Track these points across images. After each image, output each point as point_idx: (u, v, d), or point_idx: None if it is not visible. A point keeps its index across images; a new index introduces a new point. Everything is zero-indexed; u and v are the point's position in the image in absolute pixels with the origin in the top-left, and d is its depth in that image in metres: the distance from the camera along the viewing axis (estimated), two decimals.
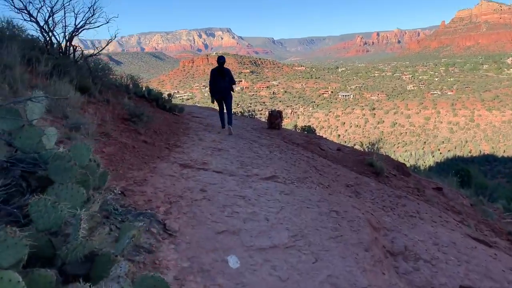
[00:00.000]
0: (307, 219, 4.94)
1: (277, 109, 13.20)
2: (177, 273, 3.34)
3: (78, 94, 7.82)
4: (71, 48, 10.43)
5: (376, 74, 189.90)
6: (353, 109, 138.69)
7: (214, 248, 3.84)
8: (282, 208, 5.18)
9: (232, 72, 11.02)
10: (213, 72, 10.59)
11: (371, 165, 9.59)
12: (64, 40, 10.25)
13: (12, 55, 6.98)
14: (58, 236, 2.54)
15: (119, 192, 4.49)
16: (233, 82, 10.75)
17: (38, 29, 9.71)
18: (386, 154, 15.86)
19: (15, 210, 2.68)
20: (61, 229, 2.47)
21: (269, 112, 12.53)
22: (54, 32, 9.95)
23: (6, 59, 6.74)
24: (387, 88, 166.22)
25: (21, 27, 10.10)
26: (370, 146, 14.33)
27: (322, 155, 9.95)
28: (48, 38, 9.83)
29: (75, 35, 10.42)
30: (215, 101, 10.81)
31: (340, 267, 3.92)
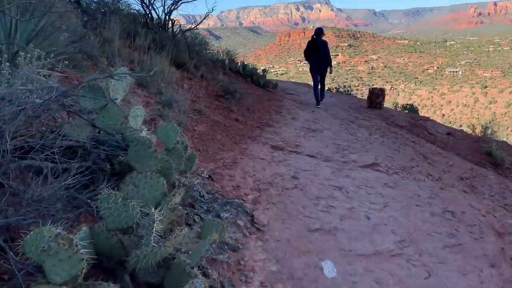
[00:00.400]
0: (416, 220, 4.24)
1: (379, 87, 12.18)
2: (264, 278, 2.93)
3: (173, 69, 7.74)
4: (170, 22, 10.47)
5: (490, 49, 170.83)
6: (461, 86, 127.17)
7: (306, 250, 3.36)
8: (386, 204, 4.52)
9: (329, 46, 10.41)
10: (308, 43, 10.25)
11: (488, 154, 8.32)
12: (164, 14, 10.33)
13: (112, 29, 7.05)
14: (131, 235, 2.25)
15: (207, 176, 4.20)
16: (329, 58, 10.17)
17: (139, 3, 9.86)
18: (502, 140, 13.96)
19: (89, 200, 2.45)
20: (134, 228, 2.16)
21: (369, 89, 11.57)
22: (154, 6, 10.05)
23: (106, 33, 6.80)
24: (503, 64, 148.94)
25: (125, 2, 10.36)
26: (483, 130, 12.70)
27: (430, 140, 8.88)
28: (148, 12, 9.94)
29: (174, 9, 10.44)
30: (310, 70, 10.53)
31: (461, 287, 3.22)
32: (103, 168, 3.01)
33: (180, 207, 2.65)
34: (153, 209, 2.01)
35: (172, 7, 10.13)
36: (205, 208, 3.46)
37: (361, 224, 3.97)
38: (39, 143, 2.62)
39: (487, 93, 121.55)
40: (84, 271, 1.62)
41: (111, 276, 2.26)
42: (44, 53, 2.79)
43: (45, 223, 2.27)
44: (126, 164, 2.80)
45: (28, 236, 1.81)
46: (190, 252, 2.54)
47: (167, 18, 10.33)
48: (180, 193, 2.63)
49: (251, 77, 11.52)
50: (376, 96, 11.12)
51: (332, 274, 3.15)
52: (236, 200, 3.78)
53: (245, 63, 12.33)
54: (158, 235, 2.10)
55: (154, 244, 1.98)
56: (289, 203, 4.10)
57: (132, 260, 1.94)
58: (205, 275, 2.47)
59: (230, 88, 8.15)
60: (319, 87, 10.46)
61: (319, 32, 10.21)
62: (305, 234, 3.59)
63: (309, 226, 3.73)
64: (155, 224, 1.95)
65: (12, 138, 2.50)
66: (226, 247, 3.08)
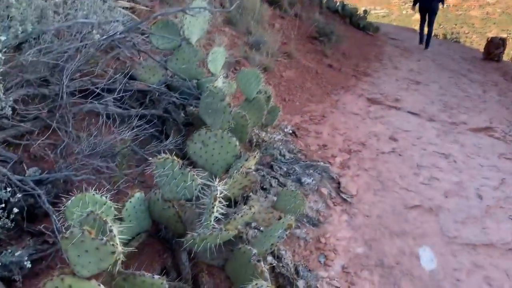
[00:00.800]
0: None
1: (497, 36, 10.47)
2: (347, 261, 2.48)
3: (265, 7, 7.14)
4: None
5: None
6: None
7: (401, 231, 2.82)
8: (502, 181, 3.73)
9: None
10: None
11: None
12: None
13: None
14: (193, 204, 1.90)
15: (290, 131, 3.73)
16: None
17: None
18: None
19: (150, 158, 2.12)
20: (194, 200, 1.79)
21: (488, 38, 9.95)
22: None
23: None
24: None
25: None
26: None
27: None
28: None
29: None
30: (417, 13, 9.39)
31: None
32: (175, 118, 2.68)
33: (254, 172, 2.24)
34: (217, 181, 1.61)
35: None
36: (285, 169, 3.03)
37: (471, 204, 3.28)
38: (102, 85, 2.32)
39: None
40: (120, 261, 1.29)
41: (168, 249, 1.96)
42: None
43: (99, 180, 2.01)
44: (197, 117, 2.42)
45: (70, 201, 1.53)
46: (261, 229, 2.16)
47: None
48: (255, 156, 2.20)
49: (350, 18, 10.49)
50: (495, 47, 9.53)
51: (431, 266, 2.60)
52: (322, 163, 3.29)
53: (344, 2, 11.24)
54: (225, 204, 1.73)
55: (215, 225, 1.60)
56: (384, 170, 3.52)
57: (187, 242, 1.59)
58: (275, 257, 2.08)
59: (326, 29, 7.38)
60: (426, 32, 9.35)
61: None
62: (400, 211, 3.03)
63: (406, 202, 3.15)
64: (216, 202, 1.56)
65: (73, 78, 2.22)
66: (305, 220, 2.66)
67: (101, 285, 1.22)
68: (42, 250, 1.73)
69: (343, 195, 3.04)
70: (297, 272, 2.15)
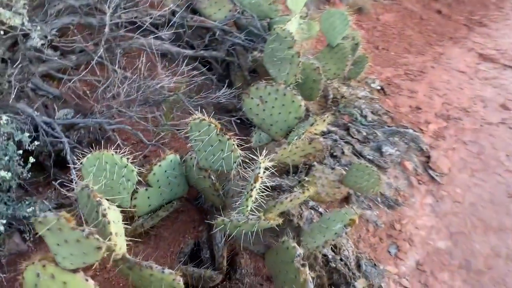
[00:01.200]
0: None
1: None
2: (424, 257, 2.05)
3: None
4: None
5: None
6: None
7: (499, 227, 2.28)
8: None
9: None
10: None
11: None
12: None
13: None
14: (238, 174, 1.57)
15: (378, 87, 3.19)
16: None
17: None
18: None
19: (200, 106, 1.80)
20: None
21: None
22: None
23: None
24: None
25: None
26: None
27: None
28: None
29: None
30: None
31: None
32: (239, 63, 2.31)
33: (320, 139, 1.84)
34: (262, 155, 1.25)
35: None
36: (364, 134, 2.56)
37: None
38: (156, 16, 2.00)
39: None
40: (119, 253, 1.02)
41: (204, 221, 1.68)
42: None
43: (135, 132, 1.75)
44: (260, 64, 2.03)
45: (86, 158, 1.28)
46: (320, 210, 1.79)
47: None
48: (324, 120, 1.78)
49: None
50: None
51: None
52: (411, 129, 2.75)
53: None
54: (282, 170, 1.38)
55: (253, 212, 1.26)
56: (488, 146, 2.89)
57: (218, 227, 1.28)
58: (333, 246, 1.71)
59: None
60: None
61: None
62: (502, 201, 2.46)
63: (511, 189, 2.55)
64: (257, 184, 1.21)
65: (124, 7, 1.93)
66: (379, 199, 2.23)
67: (89, 279, 0.96)
68: (64, 204, 1.54)
69: (431, 173, 2.53)
70: (358, 266, 1.77)
